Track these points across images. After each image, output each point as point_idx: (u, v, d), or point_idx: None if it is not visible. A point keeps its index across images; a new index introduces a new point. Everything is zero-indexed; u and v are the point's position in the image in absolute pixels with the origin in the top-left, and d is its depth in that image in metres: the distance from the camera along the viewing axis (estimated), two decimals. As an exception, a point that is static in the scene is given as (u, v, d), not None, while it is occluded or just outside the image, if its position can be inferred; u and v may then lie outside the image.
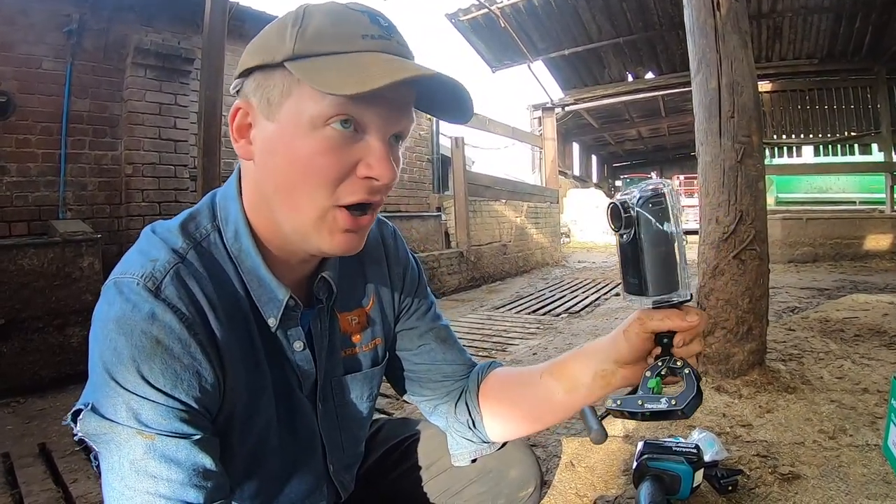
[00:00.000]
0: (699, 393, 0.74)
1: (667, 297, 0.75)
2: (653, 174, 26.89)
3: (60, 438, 2.79)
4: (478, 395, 1.05)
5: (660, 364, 0.79)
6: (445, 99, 0.77)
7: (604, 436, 0.77)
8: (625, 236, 0.75)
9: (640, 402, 0.76)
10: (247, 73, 0.75)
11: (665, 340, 0.80)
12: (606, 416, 0.79)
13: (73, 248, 3.93)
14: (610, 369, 0.86)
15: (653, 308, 0.78)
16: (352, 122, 0.71)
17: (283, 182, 0.73)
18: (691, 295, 0.76)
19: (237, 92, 0.77)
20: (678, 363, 0.78)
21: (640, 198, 0.73)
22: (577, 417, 0.87)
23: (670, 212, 0.72)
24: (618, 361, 0.85)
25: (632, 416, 0.76)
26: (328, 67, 0.68)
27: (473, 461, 1.07)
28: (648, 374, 0.79)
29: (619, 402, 0.78)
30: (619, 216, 0.73)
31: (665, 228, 0.72)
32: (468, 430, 1.04)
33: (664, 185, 0.73)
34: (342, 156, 0.71)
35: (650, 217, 0.72)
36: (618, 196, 0.76)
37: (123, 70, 5.26)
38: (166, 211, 5.32)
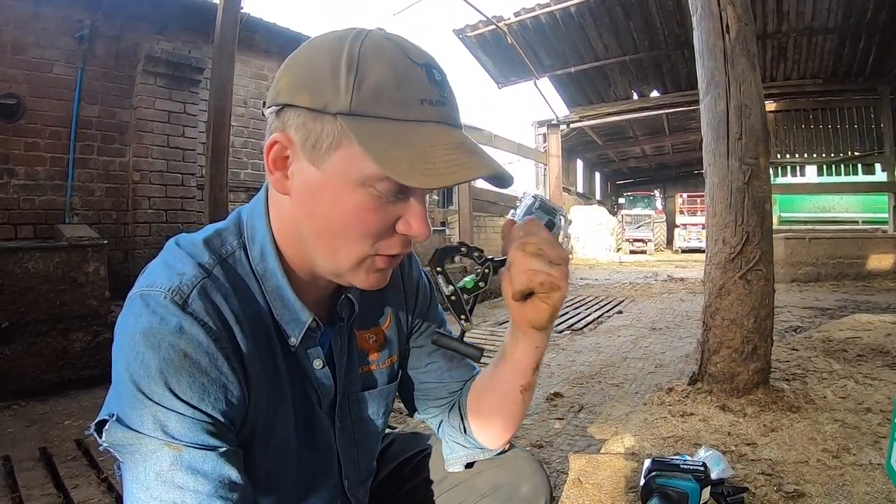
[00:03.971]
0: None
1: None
2: (656, 192, 26.94)
3: (62, 443, 2.78)
4: (468, 400, 1.06)
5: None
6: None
7: (479, 352, 0.79)
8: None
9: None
10: (289, 105, 0.72)
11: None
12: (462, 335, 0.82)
13: (79, 252, 3.94)
14: (511, 308, 0.87)
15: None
16: (397, 185, 0.71)
17: (324, 228, 0.74)
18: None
19: (273, 114, 0.75)
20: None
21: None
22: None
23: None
24: (510, 307, 0.86)
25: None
26: (389, 142, 0.67)
27: (469, 466, 1.08)
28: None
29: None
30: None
31: None
32: (460, 435, 1.05)
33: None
34: (386, 213, 0.73)
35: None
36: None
37: (133, 77, 5.32)
38: (172, 219, 5.35)
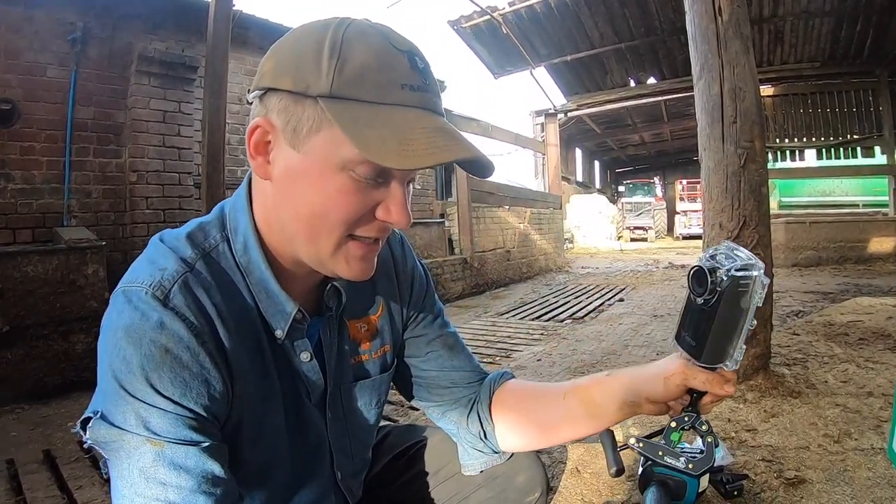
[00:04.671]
0: (713, 463, 0.78)
1: (716, 366, 0.77)
2: (655, 179, 26.89)
3: (65, 445, 2.79)
4: (490, 407, 1.05)
5: (686, 419, 0.81)
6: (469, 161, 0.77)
7: (622, 472, 0.78)
8: (700, 301, 0.74)
9: (660, 453, 0.79)
10: (271, 89, 0.73)
11: (696, 395, 0.82)
12: (624, 448, 0.80)
13: (78, 255, 3.94)
14: (638, 402, 0.88)
15: (697, 365, 0.79)
16: (377, 169, 0.71)
17: (304, 212, 0.74)
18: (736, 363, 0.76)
19: (256, 99, 0.75)
20: (704, 426, 0.80)
21: (730, 274, 0.71)
22: (595, 440, 0.88)
23: (751, 293, 0.71)
24: (648, 399, 0.87)
25: (648, 460, 0.78)
26: (368, 123, 0.67)
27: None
28: (674, 424, 0.81)
29: (641, 445, 0.81)
30: (705, 283, 0.72)
31: (741, 308, 0.71)
32: (479, 441, 1.04)
33: (756, 266, 0.71)
34: (365, 197, 0.73)
35: (733, 295, 0.71)
36: (704, 258, 0.75)
37: (128, 78, 5.28)
38: (170, 218, 5.35)
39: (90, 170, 5.11)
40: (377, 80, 0.68)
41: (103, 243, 4.15)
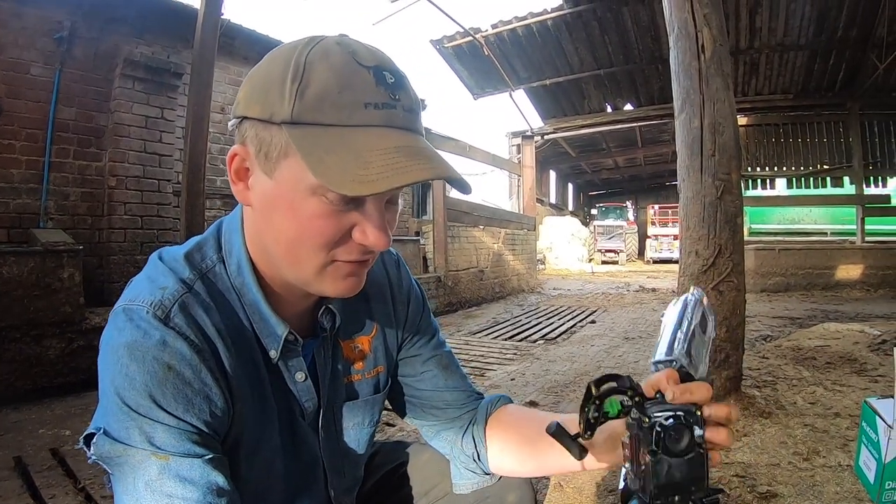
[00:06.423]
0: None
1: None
2: (628, 203, 27.26)
3: (37, 452, 2.74)
4: (485, 428, 1.05)
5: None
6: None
7: (586, 453, 0.77)
8: None
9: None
10: (245, 117, 0.73)
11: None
12: (577, 436, 0.78)
13: (54, 258, 3.87)
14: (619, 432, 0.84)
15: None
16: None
17: (282, 237, 0.74)
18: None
19: (235, 127, 0.76)
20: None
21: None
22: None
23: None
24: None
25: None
26: (327, 149, 0.66)
27: None
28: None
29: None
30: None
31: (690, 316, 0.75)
32: (472, 462, 1.05)
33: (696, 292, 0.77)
34: (339, 220, 0.72)
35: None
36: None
37: (112, 81, 5.25)
38: (148, 225, 5.29)
39: (69, 172, 5.05)
40: (338, 102, 0.67)
41: (80, 247, 4.07)
